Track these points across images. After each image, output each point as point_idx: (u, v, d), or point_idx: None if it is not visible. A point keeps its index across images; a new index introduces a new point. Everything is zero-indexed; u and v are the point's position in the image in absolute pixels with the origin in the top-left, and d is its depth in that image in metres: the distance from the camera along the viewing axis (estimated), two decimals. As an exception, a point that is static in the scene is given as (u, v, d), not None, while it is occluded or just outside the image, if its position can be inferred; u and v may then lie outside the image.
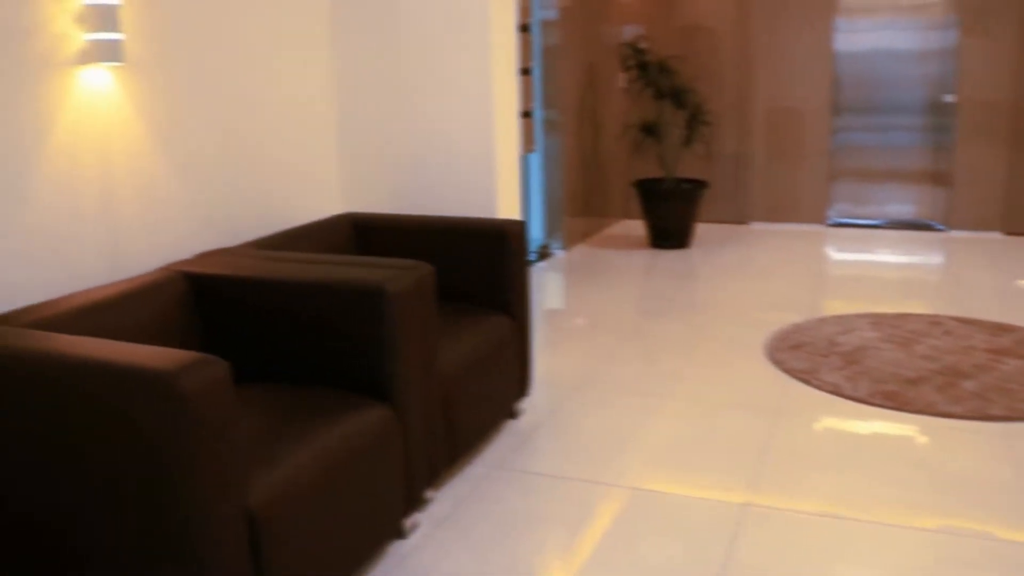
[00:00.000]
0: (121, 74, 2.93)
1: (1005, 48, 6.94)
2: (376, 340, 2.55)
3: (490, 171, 3.75)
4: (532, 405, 3.78)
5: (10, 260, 2.60)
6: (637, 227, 7.63)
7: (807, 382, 3.98)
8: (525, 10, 6.01)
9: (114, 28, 2.83)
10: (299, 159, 3.77)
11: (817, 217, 7.62)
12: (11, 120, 2.59)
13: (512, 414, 3.62)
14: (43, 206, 2.68)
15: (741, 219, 7.80)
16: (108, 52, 2.83)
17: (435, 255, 3.48)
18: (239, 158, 3.43)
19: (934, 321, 4.84)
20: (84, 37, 2.79)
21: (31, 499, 2.11)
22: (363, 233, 3.64)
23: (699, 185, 6.90)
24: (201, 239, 3.25)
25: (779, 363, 4.24)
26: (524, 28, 5.92)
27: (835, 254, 6.77)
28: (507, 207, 3.87)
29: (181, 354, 1.91)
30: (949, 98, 7.16)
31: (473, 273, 3.44)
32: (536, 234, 6.71)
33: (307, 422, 2.36)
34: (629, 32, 7.75)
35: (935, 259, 6.52)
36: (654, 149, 6.94)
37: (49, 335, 2.12)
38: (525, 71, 5.88)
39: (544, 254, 6.63)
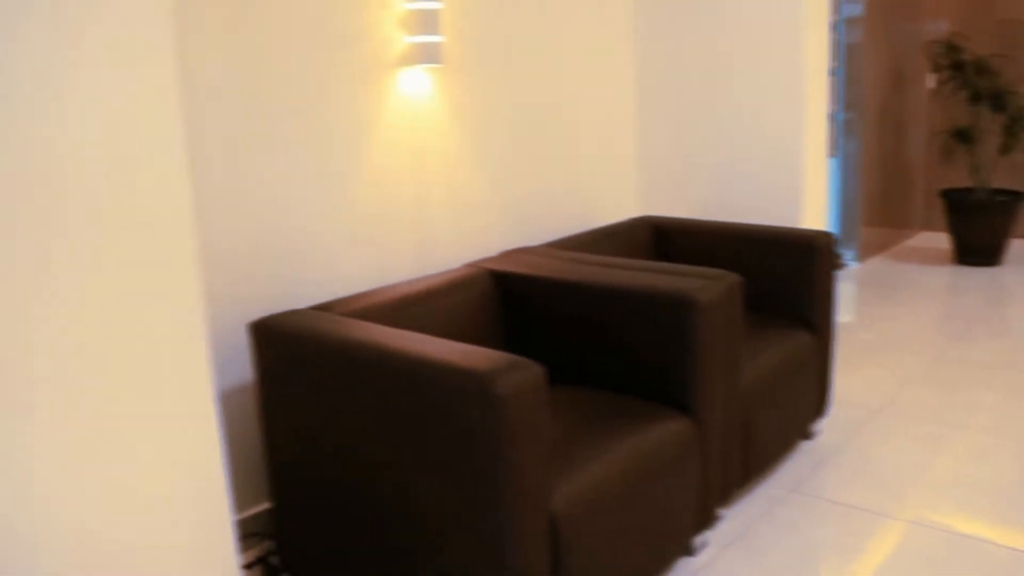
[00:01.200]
0: (437, 75, 3.03)
1: None
2: (681, 351, 2.47)
3: (796, 177, 3.56)
4: (828, 426, 3.56)
5: (334, 251, 2.75)
6: (940, 240, 7.05)
7: None
8: (832, 4, 5.70)
9: (435, 31, 2.92)
10: (599, 160, 3.76)
11: None
12: (342, 118, 2.73)
13: (807, 435, 3.42)
14: (364, 200, 2.82)
15: (1063, 236, 7.02)
16: (428, 54, 2.93)
17: (736, 263, 3.34)
18: (541, 159, 3.47)
19: None
20: (406, 40, 2.91)
21: (347, 481, 2.21)
22: (661, 237, 3.56)
23: (1017, 197, 6.27)
24: (502, 237, 3.31)
25: (1117, 403, 3.74)
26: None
27: None
28: (812, 216, 3.66)
29: (497, 355, 1.92)
30: None
31: (776, 285, 3.27)
32: (827, 243, 6.36)
33: (608, 430, 2.32)
34: (941, 28, 7.17)
35: None
36: (966, 156, 6.37)
37: (370, 325, 2.21)
38: (829, 71, 5.58)
39: (837, 264, 6.28)
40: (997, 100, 6.19)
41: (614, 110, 3.83)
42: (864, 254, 6.45)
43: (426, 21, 2.91)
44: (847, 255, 6.36)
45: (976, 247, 6.28)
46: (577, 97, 3.62)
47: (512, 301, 2.82)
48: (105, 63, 1.43)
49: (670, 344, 2.49)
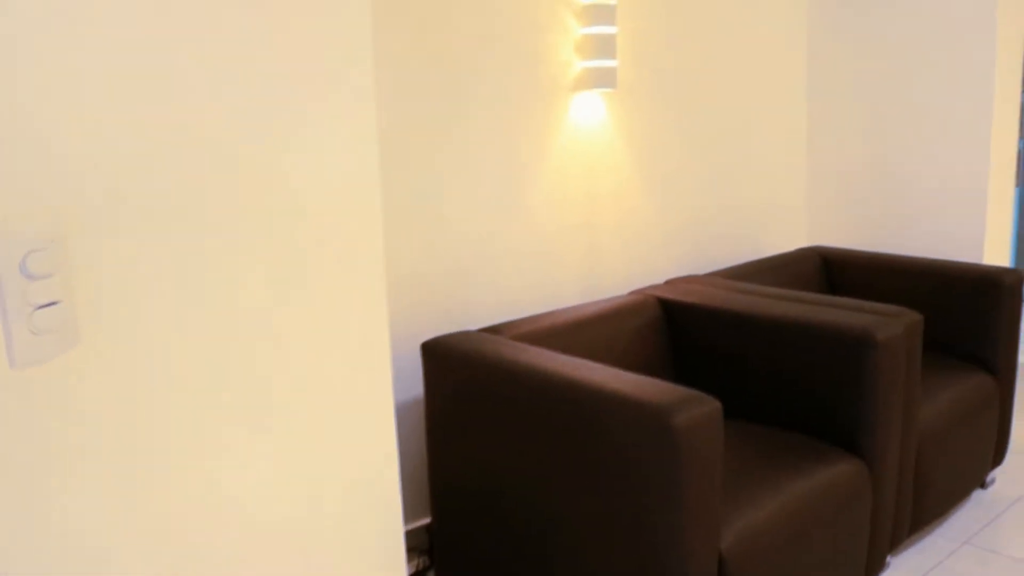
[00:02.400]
0: (610, 99, 3.02)
1: None
2: (856, 390, 2.38)
3: (979, 210, 3.38)
4: (1004, 476, 3.36)
5: (506, 272, 2.78)
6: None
7: None
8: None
9: (610, 55, 2.92)
10: (769, 188, 3.67)
11: None
12: (518, 142, 2.76)
13: (982, 483, 3.23)
14: (535, 222, 2.84)
15: None
16: (602, 78, 2.93)
17: (911, 299, 3.20)
18: (710, 185, 3.41)
19: None
20: (581, 64, 2.91)
21: (509, 504, 2.22)
22: (831, 269, 3.45)
23: None
24: (669, 264, 3.27)
25: None
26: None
27: None
28: (995, 251, 3.47)
29: (674, 388, 1.89)
30: None
31: (954, 323, 3.11)
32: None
33: (778, 468, 2.25)
34: None
35: None
36: None
37: (539, 350, 2.22)
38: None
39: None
40: None
41: (785, 136, 3.74)
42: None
43: (602, 46, 2.91)
44: None
45: None
46: (748, 123, 3.55)
47: (679, 330, 2.78)
48: (312, 94, 1.49)
49: (844, 383, 2.39)
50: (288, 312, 1.49)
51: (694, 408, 1.82)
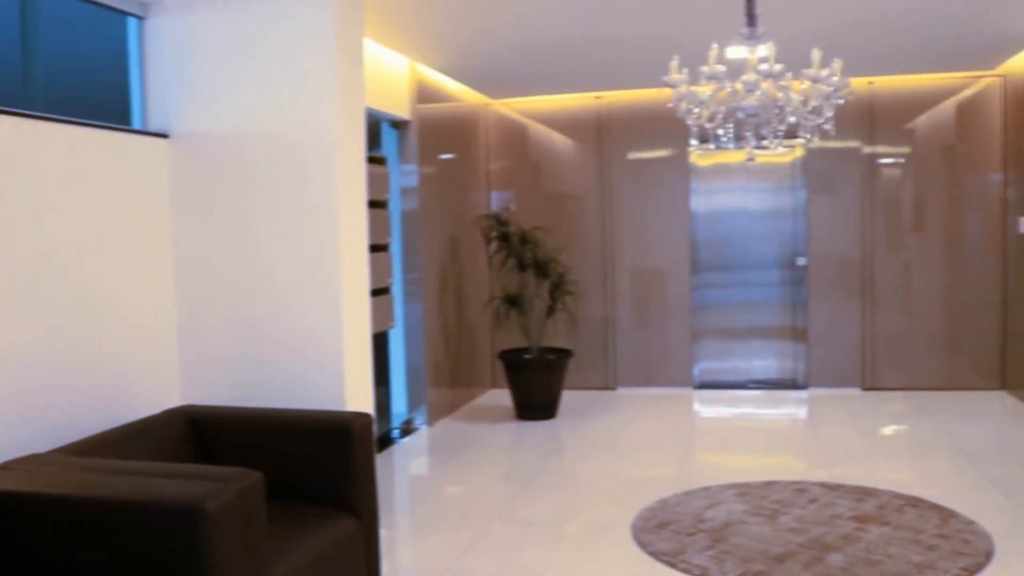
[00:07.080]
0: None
1: (849, 207, 7.35)
2: (195, 563, 2.28)
3: (338, 358, 3.56)
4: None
5: None
6: (506, 397, 7.48)
7: (673, 566, 3.82)
8: (382, 182, 5.92)
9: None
10: (133, 347, 3.50)
11: (683, 379, 7.68)
12: None
13: (361, 623, 3.33)
14: None
15: (609, 384, 7.78)
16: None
17: (276, 451, 3.23)
18: (64, 349, 3.15)
19: (799, 489, 4.81)
20: None
21: None
22: (199, 429, 3.35)
23: (564, 354, 6.86)
24: (17, 441, 2.91)
25: (645, 545, 4.08)
26: (381, 204, 5.82)
27: (701, 418, 6.80)
28: (357, 396, 3.67)
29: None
30: (802, 260, 7.50)
31: (316, 470, 3.20)
32: (399, 408, 6.49)
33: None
34: (497, 198, 7.85)
35: (799, 418, 6.63)
36: (518, 320, 6.90)
37: None
38: (383, 247, 5.75)
39: (407, 430, 6.40)
40: (541, 268, 6.81)
41: (149, 298, 3.62)
42: (434, 416, 6.65)
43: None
44: (417, 419, 6.52)
45: (533, 403, 6.74)
46: (106, 281, 3.36)
47: (8, 521, 2.47)
48: None
49: (182, 557, 2.29)
50: None
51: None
